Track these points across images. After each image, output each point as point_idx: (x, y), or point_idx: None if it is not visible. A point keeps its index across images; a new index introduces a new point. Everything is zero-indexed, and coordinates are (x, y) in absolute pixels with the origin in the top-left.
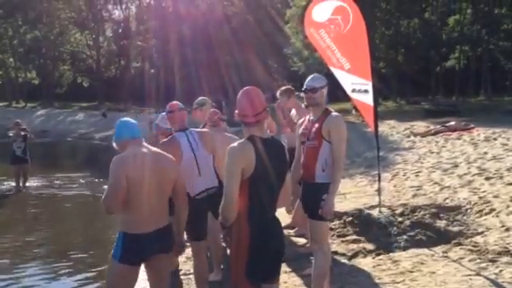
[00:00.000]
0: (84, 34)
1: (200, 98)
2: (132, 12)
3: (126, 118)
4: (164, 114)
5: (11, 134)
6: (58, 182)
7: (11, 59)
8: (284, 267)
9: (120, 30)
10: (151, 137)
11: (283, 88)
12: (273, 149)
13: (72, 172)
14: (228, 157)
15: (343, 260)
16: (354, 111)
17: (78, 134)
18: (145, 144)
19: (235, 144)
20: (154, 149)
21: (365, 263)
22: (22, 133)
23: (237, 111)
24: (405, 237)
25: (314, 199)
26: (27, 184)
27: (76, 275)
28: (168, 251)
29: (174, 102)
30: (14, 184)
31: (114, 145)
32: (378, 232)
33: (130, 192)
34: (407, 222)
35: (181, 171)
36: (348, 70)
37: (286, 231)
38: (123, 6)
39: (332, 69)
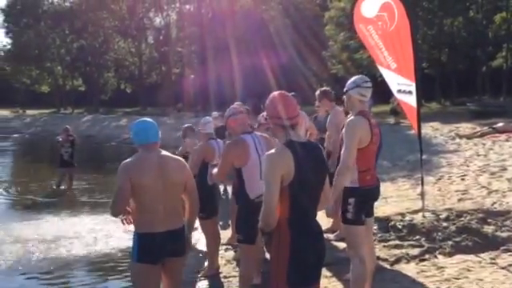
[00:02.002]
0: (127, 42)
1: (236, 104)
2: (172, 19)
3: (143, 120)
4: (208, 117)
5: (60, 139)
6: (100, 186)
7: (59, 67)
8: (324, 272)
9: (161, 37)
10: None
11: (321, 89)
12: (311, 152)
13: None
14: (266, 164)
15: (385, 265)
16: (390, 113)
17: (122, 139)
18: (156, 148)
19: (273, 151)
20: (164, 152)
21: (408, 269)
22: (70, 138)
23: (268, 116)
24: (450, 242)
25: (342, 203)
26: (75, 186)
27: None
28: (181, 254)
29: (236, 103)
30: (59, 184)
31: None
32: (422, 237)
33: (139, 195)
34: (452, 228)
35: (246, 172)
36: (394, 69)
37: (325, 235)
38: (164, 14)
39: (379, 67)
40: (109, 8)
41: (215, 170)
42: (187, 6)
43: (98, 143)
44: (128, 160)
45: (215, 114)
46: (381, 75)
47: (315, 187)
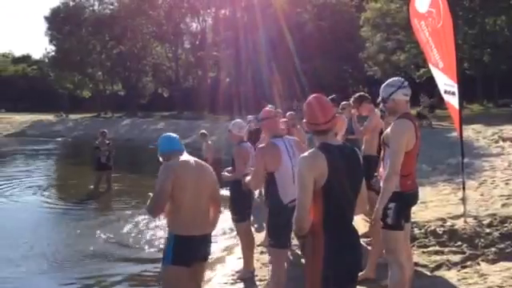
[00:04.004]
0: (164, 47)
1: (269, 107)
2: (208, 24)
3: (167, 134)
4: (238, 120)
5: (97, 143)
6: (139, 188)
7: (99, 73)
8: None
9: (197, 42)
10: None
11: (356, 95)
12: (346, 155)
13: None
14: (299, 167)
15: (425, 272)
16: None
17: None
18: (187, 154)
19: (306, 154)
20: (195, 158)
21: (449, 276)
22: (107, 141)
23: (305, 120)
24: (493, 249)
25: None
26: (115, 187)
27: None
28: (207, 259)
29: (268, 108)
30: (97, 187)
31: (160, 159)
32: (463, 243)
33: (180, 195)
34: (496, 234)
35: (279, 176)
36: (441, 68)
37: (362, 240)
38: (200, 19)
39: (430, 66)
40: (147, 14)
41: (248, 179)
42: (222, 11)
43: (137, 146)
44: (169, 162)
45: (250, 117)
46: (418, 77)
47: (350, 190)
